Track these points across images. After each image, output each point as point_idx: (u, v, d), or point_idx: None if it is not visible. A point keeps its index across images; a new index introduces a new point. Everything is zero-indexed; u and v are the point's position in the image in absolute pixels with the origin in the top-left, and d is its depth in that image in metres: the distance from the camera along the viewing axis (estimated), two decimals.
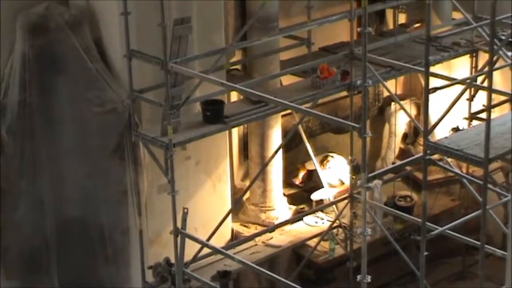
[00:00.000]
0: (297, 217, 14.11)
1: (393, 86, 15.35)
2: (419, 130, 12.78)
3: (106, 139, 12.23)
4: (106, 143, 12.24)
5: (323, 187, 14.24)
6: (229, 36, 13.44)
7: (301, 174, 15.14)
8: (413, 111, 15.28)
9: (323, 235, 13.62)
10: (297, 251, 13.99)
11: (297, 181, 15.09)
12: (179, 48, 11.55)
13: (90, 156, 12.28)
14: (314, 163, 13.98)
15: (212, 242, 12.29)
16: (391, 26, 15.71)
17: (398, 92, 15.91)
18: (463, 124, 13.74)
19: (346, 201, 13.51)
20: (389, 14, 15.71)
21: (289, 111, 13.44)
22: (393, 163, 15.31)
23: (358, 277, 10.62)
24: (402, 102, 14.29)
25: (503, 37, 12.38)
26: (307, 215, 14.18)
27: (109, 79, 12.24)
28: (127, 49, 11.81)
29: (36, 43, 11.93)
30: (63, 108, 12.10)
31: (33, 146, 12.07)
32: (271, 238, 13.85)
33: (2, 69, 12.12)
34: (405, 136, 16.16)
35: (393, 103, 15.72)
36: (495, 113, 11.46)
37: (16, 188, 12.19)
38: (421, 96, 14.74)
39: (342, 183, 14.51)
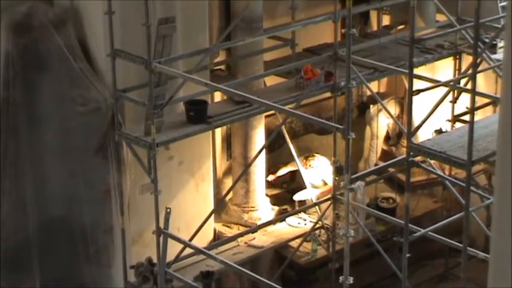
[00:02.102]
0: (280, 218, 14.13)
1: (376, 84, 15.44)
2: (403, 132, 12.85)
3: (89, 138, 12.24)
4: (89, 142, 12.24)
5: (305, 187, 14.29)
6: (213, 36, 13.47)
7: (280, 172, 15.09)
8: (396, 110, 15.35)
9: (305, 236, 13.64)
10: (280, 252, 14.02)
11: (272, 177, 15.03)
12: (163, 47, 11.56)
13: (73, 155, 12.28)
14: (297, 164, 14.04)
15: (195, 242, 12.31)
16: (375, 27, 15.78)
17: (382, 90, 16.00)
18: (446, 126, 13.79)
19: (329, 202, 13.53)
20: (373, 15, 15.77)
21: (272, 111, 13.47)
22: (376, 165, 15.37)
23: (340, 278, 10.67)
24: (385, 100, 14.41)
25: (486, 40, 12.46)
26: (289, 216, 14.19)
27: (92, 78, 12.24)
28: (111, 48, 11.79)
29: (20, 41, 11.92)
30: (47, 107, 12.10)
31: (16, 144, 12.06)
32: (254, 238, 13.87)
33: None
34: (387, 137, 16.21)
35: (371, 105, 15.78)
36: (478, 115, 11.53)
37: None
38: (404, 95, 14.80)
39: (325, 184, 14.54)
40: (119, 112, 12.18)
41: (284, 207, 14.66)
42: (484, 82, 13.72)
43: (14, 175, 12.17)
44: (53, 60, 12.06)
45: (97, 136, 12.22)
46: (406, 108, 12.54)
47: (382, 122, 15.76)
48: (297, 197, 14.47)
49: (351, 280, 10.59)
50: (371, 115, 15.81)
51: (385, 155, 15.82)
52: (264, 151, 13.57)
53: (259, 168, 14.10)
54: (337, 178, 13.38)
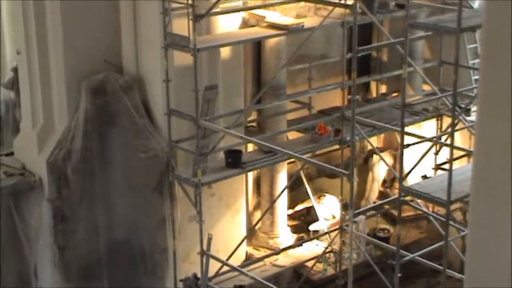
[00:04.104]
0: (298, 243, 14.04)
1: (375, 140, 15.39)
2: (396, 177, 12.78)
3: (149, 178, 12.25)
4: (149, 181, 12.25)
5: (318, 220, 14.22)
6: (247, 100, 13.51)
7: (298, 207, 15.02)
8: (390, 161, 15.27)
9: (318, 258, 13.54)
10: (297, 270, 13.90)
11: (292, 211, 14.94)
12: (208, 108, 11.62)
13: (136, 191, 12.29)
14: (312, 201, 13.99)
15: (231, 261, 12.26)
16: (374, 94, 15.77)
17: (379, 145, 15.94)
18: (431, 173, 13.71)
19: (337, 231, 13.45)
20: (373, 85, 15.76)
21: (293, 159, 13.44)
22: (374, 203, 15.28)
23: None
24: (382, 154, 14.36)
25: (462, 105, 12.42)
26: (306, 242, 14.11)
27: (152, 131, 12.29)
28: (167, 108, 11.87)
29: (96, 102, 12.01)
30: (116, 153, 12.14)
31: (92, 182, 12.10)
32: (277, 259, 13.78)
33: (70, 122, 12.20)
34: (384, 181, 16.12)
35: (374, 155, 15.72)
36: (456, 164, 11.46)
37: (77, 215, 12.19)
38: (397, 149, 14.74)
39: (334, 217, 14.46)
40: (173, 158, 12.22)
41: (301, 235, 14.58)
42: (461, 139, 13.66)
43: (90, 206, 12.19)
44: (121, 116, 12.12)
45: (155, 176, 12.24)
46: (398, 158, 12.48)
47: (382, 169, 15.68)
48: (312, 227, 14.39)
49: None
50: (373, 162, 15.74)
51: (382, 195, 15.73)
52: (286, 191, 13.55)
53: (282, 204, 14.06)
54: (343, 212, 13.31)
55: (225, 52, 12.54)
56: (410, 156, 11.53)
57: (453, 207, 11.34)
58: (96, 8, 12.22)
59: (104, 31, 12.39)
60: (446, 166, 11.64)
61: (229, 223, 13.39)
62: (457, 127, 10.81)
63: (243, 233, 13.49)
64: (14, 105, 15.07)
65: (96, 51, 12.31)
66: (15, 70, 14.10)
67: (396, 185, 14.12)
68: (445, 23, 9.96)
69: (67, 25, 12.04)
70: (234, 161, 12.14)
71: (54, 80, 12.36)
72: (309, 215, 14.89)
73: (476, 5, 12.99)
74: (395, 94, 14.97)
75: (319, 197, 14.70)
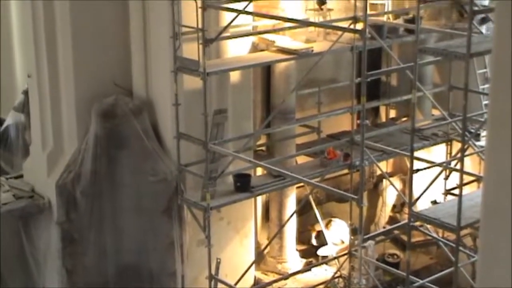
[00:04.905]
0: (307, 268, 13.98)
1: (385, 165, 15.35)
2: (405, 202, 12.73)
3: (158, 202, 12.24)
4: (157, 204, 12.24)
5: (327, 245, 14.16)
6: (256, 124, 13.51)
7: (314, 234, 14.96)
8: (400, 185, 15.22)
9: (327, 283, 13.47)
10: None
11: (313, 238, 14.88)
12: (217, 132, 11.63)
13: (144, 215, 12.28)
14: (321, 225, 13.93)
15: (239, 286, 12.20)
16: (384, 119, 15.75)
17: (389, 170, 15.89)
18: (440, 198, 13.64)
19: (345, 256, 13.38)
20: (382, 109, 15.76)
21: (302, 184, 13.42)
22: (384, 228, 15.21)
23: None
24: (391, 178, 14.31)
25: (472, 130, 12.39)
26: (314, 266, 14.05)
27: (161, 155, 12.29)
28: (176, 132, 11.88)
29: (106, 125, 12.03)
30: (125, 177, 12.14)
31: (100, 205, 12.10)
32: (286, 284, 13.70)
33: (79, 145, 12.22)
34: (394, 206, 16.06)
35: (384, 180, 15.68)
36: (466, 190, 11.42)
37: (86, 238, 12.19)
38: (407, 174, 14.69)
39: (343, 242, 14.39)
40: (182, 182, 12.21)
41: (310, 259, 14.51)
42: (470, 164, 13.61)
43: (98, 229, 12.18)
44: (131, 140, 12.13)
45: (163, 200, 12.22)
46: (408, 183, 12.44)
47: (391, 194, 15.62)
48: (321, 252, 14.33)
49: None
50: (383, 187, 15.69)
51: (391, 220, 15.66)
52: (294, 215, 13.50)
53: (290, 228, 14.00)
54: (352, 237, 13.25)
55: (234, 76, 12.56)
56: (419, 181, 11.50)
57: (463, 232, 11.29)
58: (106, 32, 12.29)
59: (114, 55, 12.45)
60: (456, 191, 11.59)
61: (238, 247, 13.34)
62: (467, 152, 10.77)
63: (252, 257, 13.44)
64: (24, 128, 15.12)
65: (106, 74, 12.36)
66: (26, 93, 14.16)
67: (406, 210, 14.07)
68: (455, 48, 9.96)
69: (77, 48, 12.11)
70: (243, 185, 12.13)
71: (64, 103, 12.41)
72: (318, 240, 14.82)
73: (484, 30, 12.99)
74: (404, 119, 14.95)
75: (328, 222, 14.64)
